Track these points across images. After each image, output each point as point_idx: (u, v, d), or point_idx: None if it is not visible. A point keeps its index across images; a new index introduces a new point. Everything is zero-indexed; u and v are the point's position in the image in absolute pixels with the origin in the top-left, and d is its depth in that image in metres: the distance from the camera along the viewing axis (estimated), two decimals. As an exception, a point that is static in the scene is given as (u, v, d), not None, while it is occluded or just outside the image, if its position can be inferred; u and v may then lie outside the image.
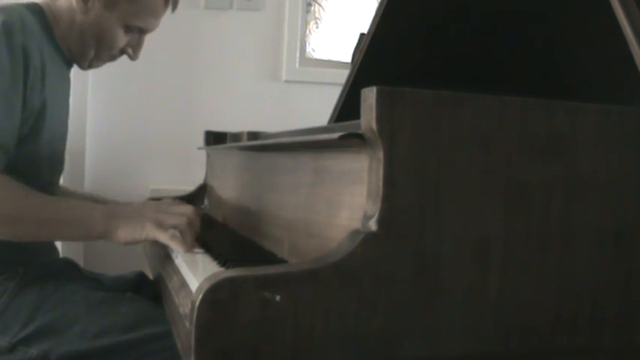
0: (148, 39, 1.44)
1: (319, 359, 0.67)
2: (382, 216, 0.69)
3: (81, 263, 1.81)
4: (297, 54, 2.48)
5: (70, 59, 1.41)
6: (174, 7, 1.42)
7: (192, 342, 0.65)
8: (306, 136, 0.99)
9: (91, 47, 1.37)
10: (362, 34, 1.51)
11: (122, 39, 1.37)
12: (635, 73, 0.84)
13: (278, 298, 0.66)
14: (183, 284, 0.93)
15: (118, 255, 2.07)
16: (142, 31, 1.40)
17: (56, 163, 1.42)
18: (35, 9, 1.32)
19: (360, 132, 0.71)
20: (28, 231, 1.17)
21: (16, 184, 1.14)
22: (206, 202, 1.84)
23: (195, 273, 0.91)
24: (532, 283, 0.74)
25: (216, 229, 1.44)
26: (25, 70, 1.20)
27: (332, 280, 0.67)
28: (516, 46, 1.27)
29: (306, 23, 2.54)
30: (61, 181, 1.51)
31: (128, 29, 1.36)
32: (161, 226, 1.12)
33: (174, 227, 1.12)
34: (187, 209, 1.16)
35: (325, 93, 2.06)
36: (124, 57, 1.45)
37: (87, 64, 1.42)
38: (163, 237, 1.11)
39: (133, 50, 1.42)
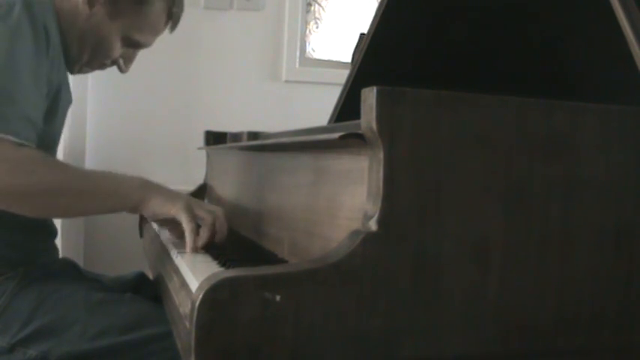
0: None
1: (319, 359, 0.67)
2: (382, 216, 0.69)
3: (81, 263, 1.81)
4: (297, 54, 2.48)
5: (66, 59, 1.41)
6: (173, 28, 1.44)
7: (193, 342, 0.65)
8: (306, 136, 0.99)
9: (86, 52, 1.37)
10: (362, 34, 1.51)
11: (118, 50, 1.39)
12: (635, 73, 0.84)
13: (278, 298, 0.66)
14: (183, 284, 0.93)
15: (118, 255, 2.07)
16: (138, 45, 1.41)
17: (54, 151, 1.42)
18: (50, 3, 1.33)
19: (360, 132, 0.71)
20: (69, 203, 1.17)
21: (52, 158, 1.15)
22: (206, 202, 1.84)
23: (195, 273, 0.91)
24: (532, 283, 0.74)
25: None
26: (47, 46, 1.21)
27: (332, 280, 0.67)
28: (516, 45, 1.27)
29: (306, 23, 2.54)
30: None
31: (126, 41, 1.38)
32: (191, 212, 1.13)
33: (201, 219, 1.13)
34: (218, 210, 1.18)
35: (325, 93, 2.06)
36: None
37: (77, 69, 1.42)
38: (187, 223, 1.12)
39: (124, 62, 1.44)
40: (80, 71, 1.44)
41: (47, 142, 1.29)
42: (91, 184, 1.18)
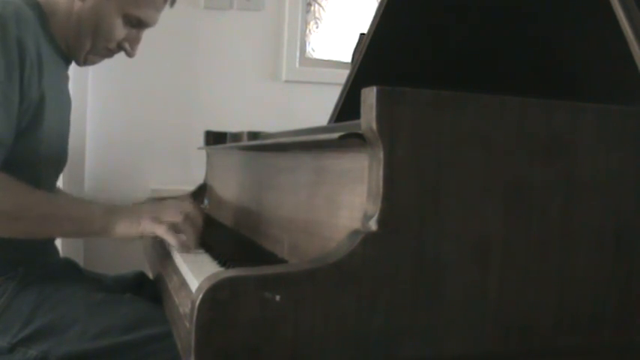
0: (148, 39, 1.44)
1: (319, 359, 0.67)
2: (382, 216, 0.69)
3: (81, 263, 1.80)
4: (297, 54, 2.48)
5: (67, 55, 1.40)
6: (172, 2, 1.41)
7: (192, 342, 0.65)
8: (306, 136, 0.99)
9: (87, 37, 1.35)
10: (362, 34, 1.51)
11: (120, 30, 1.36)
12: (635, 73, 0.84)
13: (278, 298, 0.66)
14: (183, 284, 0.93)
15: (118, 255, 2.07)
16: (141, 24, 1.38)
17: (57, 158, 1.42)
18: (32, 3, 1.32)
19: (360, 132, 0.71)
20: (27, 228, 1.17)
21: (15, 181, 1.15)
22: (206, 202, 1.84)
23: (195, 273, 0.91)
24: (532, 283, 0.74)
25: (216, 229, 1.44)
26: (20, 62, 1.20)
27: (332, 280, 0.67)
28: (516, 45, 1.27)
29: (306, 23, 2.54)
30: (61, 181, 1.51)
31: (127, 20, 1.35)
32: (157, 221, 1.12)
33: (172, 224, 1.12)
34: (186, 206, 1.17)
35: (325, 93, 2.06)
36: (124, 57, 1.44)
37: (83, 58, 1.40)
38: (159, 230, 1.11)
39: (130, 45, 1.40)
40: (87, 61, 1.42)
41: (35, 152, 1.28)
42: (52, 210, 1.17)
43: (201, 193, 1.86)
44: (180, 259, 1.05)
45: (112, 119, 2.34)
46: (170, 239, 1.10)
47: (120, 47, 1.40)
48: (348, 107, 1.53)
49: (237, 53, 2.43)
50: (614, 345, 0.78)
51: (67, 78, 1.47)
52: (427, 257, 0.70)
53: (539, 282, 0.75)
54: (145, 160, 2.36)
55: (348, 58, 1.68)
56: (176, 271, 1.02)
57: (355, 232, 0.70)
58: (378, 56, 1.43)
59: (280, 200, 1.09)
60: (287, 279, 0.67)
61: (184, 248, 1.11)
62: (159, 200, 1.44)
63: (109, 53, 1.41)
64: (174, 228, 1.12)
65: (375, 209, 0.69)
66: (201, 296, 0.65)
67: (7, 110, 1.18)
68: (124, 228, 1.14)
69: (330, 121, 1.60)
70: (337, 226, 0.81)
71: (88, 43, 1.36)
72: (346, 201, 0.80)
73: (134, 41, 1.40)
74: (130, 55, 1.42)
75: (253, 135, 1.64)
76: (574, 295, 0.76)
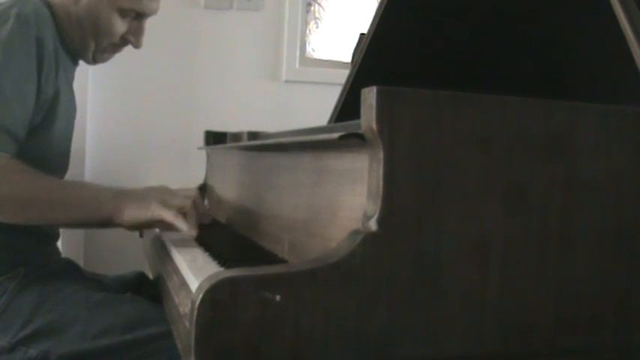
0: (148, 39, 1.44)
1: (319, 359, 0.67)
2: (382, 216, 0.69)
3: (81, 263, 1.81)
4: (297, 54, 2.48)
5: (75, 55, 1.41)
6: None
7: (192, 342, 0.65)
8: (306, 136, 0.99)
9: (90, 38, 1.36)
10: (362, 34, 1.51)
11: (120, 25, 1.35)
12: (635, 73, 0.84)
13: (278, 298, 0.66)
14: (183, 284, 0.93)
15: (118, 255, 2.07)
16: (139, 15, 1.37)
17: (63, 158, 1.42)
18: (45, 1, 1.32)
19: (360, 132, 0.71)
20: (39, 213, 1.18)
21: (27, 167, 1.16)
22: (206, 202, 1.84)
23: (195, 273, 0.91)
24: (532, 283, 0.74)
25: (216, 229, 1.44)
26: (39, 59, 1.22)
27: (332, 280, 0.67)
28: (516, 45, 1.27)
29: (306, 23, 2.54)
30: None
31: (123, 13, 1.34)
32: (166, 205, 1.14)
33: (179, 208, 1.14)
34: (192, 192, 1.21)
35: (325, 93, 2.05)
36: (124, 57, 1.44)
37: (91, 57, 1.41)
38: (168, 215, 1.14)
39: (134, 37, 1.39)
40: (96, 59, 1.42)
41: (46, 150, 1.29)
42: (62, 195, 1.18)
43: (201, 193, 1.86)
44: (180, 259, 1.05)
45: (112, 119, 2.34)
46: (179, 225, 1.13)
47: (125, 41, 1.40)
48: (348, 107, 1.53)
49: (237, 53, 2.43)
50: (614, 345, 0.78)
51: (73, 78, 1.48)
52: (427, 257, 0.70)
53: (539, 282, 0.75)
54: (145, 160, 2.36)
55: (348, 58, 1.68)
56: (176, 271, 1.03)
57: (355, 232, 0.70)
58: (378, 56, 1.43)
59: (280, 200, 1.09)
60: (287, 279, 0.67)
61: (191, 233, 1.13)
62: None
63: (116, 48, 1.42)
64: (182, 212, 1.15)
65: (375, 209, 0.69)
66: (201, 296, 0.65)
67: (24, 106, 1.20)
68: (133, 211, 1.16)
69: (330, 121, 1.60)
70: (337, 226, 0.82)
71: (92, 43, 1.37)
72: (346, 201, 0.80)
73: (138, 33, 1.39)
74: (135, 46, 1.42)
75: (253, 135, 1.64)
76: (574, 295, 0.76)
